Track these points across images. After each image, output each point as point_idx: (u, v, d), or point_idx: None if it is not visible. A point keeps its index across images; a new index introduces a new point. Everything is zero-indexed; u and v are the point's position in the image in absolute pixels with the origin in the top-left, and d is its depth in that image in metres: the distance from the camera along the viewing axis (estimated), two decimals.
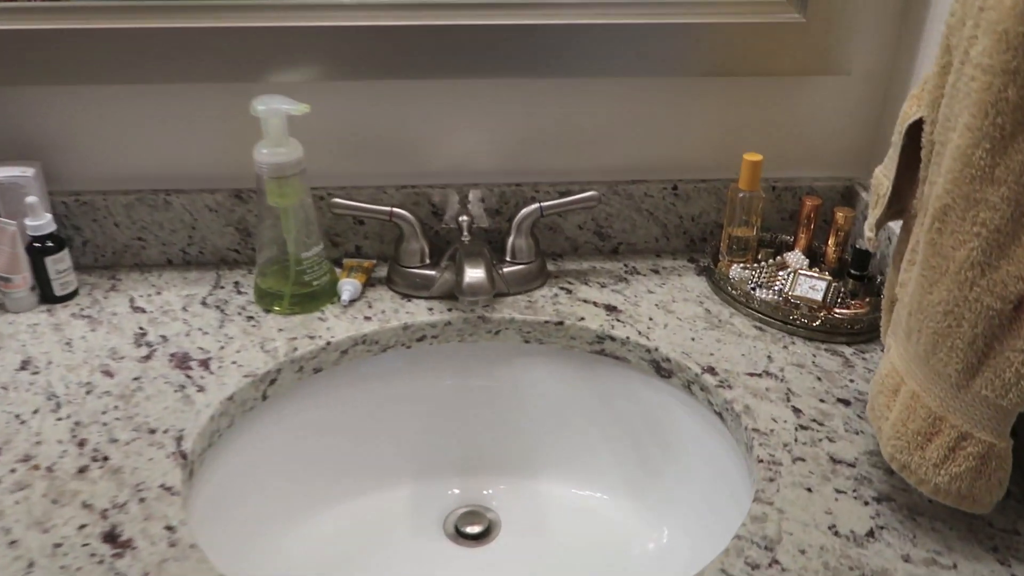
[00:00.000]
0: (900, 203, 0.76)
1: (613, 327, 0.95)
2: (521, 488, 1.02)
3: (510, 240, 1.01)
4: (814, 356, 0.92)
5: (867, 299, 0.98)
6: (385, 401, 0.99)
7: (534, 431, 1.02)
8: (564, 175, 1.07)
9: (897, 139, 0.73)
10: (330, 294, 0.98)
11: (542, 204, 0.99)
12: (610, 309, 0.99)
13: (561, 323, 0.97)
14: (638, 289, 1.03)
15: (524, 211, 1.00)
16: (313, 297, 0.97)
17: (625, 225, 1.08)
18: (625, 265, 1.08)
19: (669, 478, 0.95)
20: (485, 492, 1.02)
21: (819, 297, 0.95)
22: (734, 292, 0.99)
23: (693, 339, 0.94)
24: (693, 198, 1.07)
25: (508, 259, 1.01)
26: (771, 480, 0.76)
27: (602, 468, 1.00)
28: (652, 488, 0.96)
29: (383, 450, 1.00)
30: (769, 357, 0.91)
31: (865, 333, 0.94)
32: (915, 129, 0.71)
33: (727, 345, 0.93)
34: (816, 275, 0.97)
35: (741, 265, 1.03)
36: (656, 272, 1.06)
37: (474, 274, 0.88)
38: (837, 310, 0.95)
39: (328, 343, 0.92)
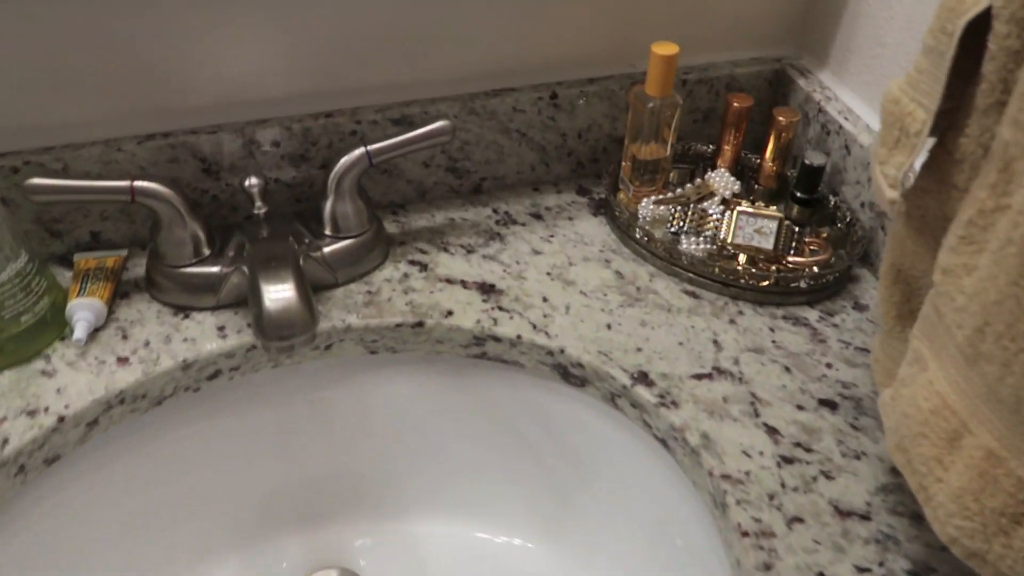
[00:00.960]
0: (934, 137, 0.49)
1: (495, 321, 0.66)
2: (392, 536, 0.75)
3: (327, 205, 0.68)
4: (772, 332, 0.67)
5: (823, 234, 0.73)
6: (174, 465, 0.67)
7: (401, 464, 0.74)
8: (396, 93, 0.73)
9: (946, 43, 0.45)
10: (56, 327, 0.63)
11: (369, 148, 0.66)
12: (486, 290, 0.69)
13: (420, 324, 0.66)
14: (519, 249, 0.73)
15: (345, 160, 0.66)
16: (25, 339, 0.61)
17: (489, 154, 0.77)
18: (495, 212, 0.77)
19: (594, 516, 0.70)
20: (345, 547, 0.74)
21: (769, 244, 0.70)
22: (651, 244, 0.72)
23: (609, 325, 0.67)
24: (578, 108, 0.76)
25: (328, 232, 0.68)
26: (767, 568, 0.51)
27: (501, 504, 0.74)
28: (573, 529, 0.71)
29: (191, 525, 0.69)
30: (716, 342, 0.66)
31: (832, 287, 0.70)
32: (974, 28, 0.44)
33: (656, 329, 0.66)
34: (762, 212, 0.71)
35: (652, 199, 0.75)
36: (538, 217, 0.77)
37: (277, 299, 0.55)
38: (791, 257, 0.70)
39: (61, 419, 0.58)
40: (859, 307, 0.69)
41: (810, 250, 0.72)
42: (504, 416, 0.71)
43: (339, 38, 0.69)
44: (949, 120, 0.48)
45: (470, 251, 0.73)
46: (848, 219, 0.73)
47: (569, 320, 0.67)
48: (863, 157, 0.71)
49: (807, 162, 0.73)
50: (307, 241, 0.67)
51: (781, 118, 0.73)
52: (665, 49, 0.68)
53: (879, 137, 0.51)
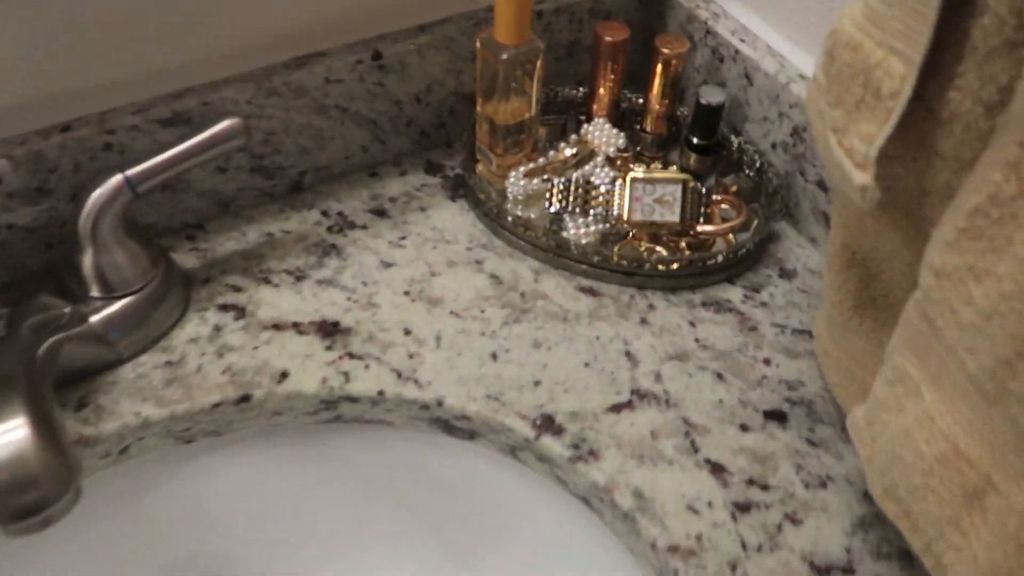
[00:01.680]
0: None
1: (347, 376, 0.50)
2: None
3: (87, 259, 0.49)
4: (693, 327, 0.54)
5: (732, 187, 0.60)
6: None
7: (258, 558, 0.58)
8: (163, 82, 0.53)
9: None
10: None
11: (129, 173, 0.47)
12: (329, 331, 0.53)
13: (246, 398, 0.50)
14: (364, 264, 0.57)
15: (97, 196, 0.47)
16: None
17: (304, 141, 0.59)
18: (325, 215, 0.60)
19: None
20: None
21: (675, 215, 0.56)
22: (529, 232, 0.57)
23: (495, 355, 0.52)
24: (410, 65, 0.59)
25: (96, 294, 0.50)
26: None
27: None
28: None
29: None
30: (628, 353, 0.52)
31: (751, 254, 0.57)
32: None
33: (554, 349, 0.52)
34: (660, 176, 0.56)
35: (521, 169, 0.59)
36: (382, 213, 0.60)
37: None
38: (701, 226, 0.56)
39: None
40: (786, 274, 0.57)
41: (721, 212, 0.58)
42: (378, 480, 0.56)
43: (68, 16, 0.48)
44: (931, 66, 0.34)
45: (300, 277, 0.56)
46: (758, 164, 0.60)
47: (443, 356, 0.52)
48: (768, 87, 0.58)
49: (702, 101, 0.58)
50: (66, 313, 0.48)
51: (665, 49, 0.58)
52: None
53: (830, 95, 0.37)
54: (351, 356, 0.51)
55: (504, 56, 0.54)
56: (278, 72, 0.55)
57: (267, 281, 0.55)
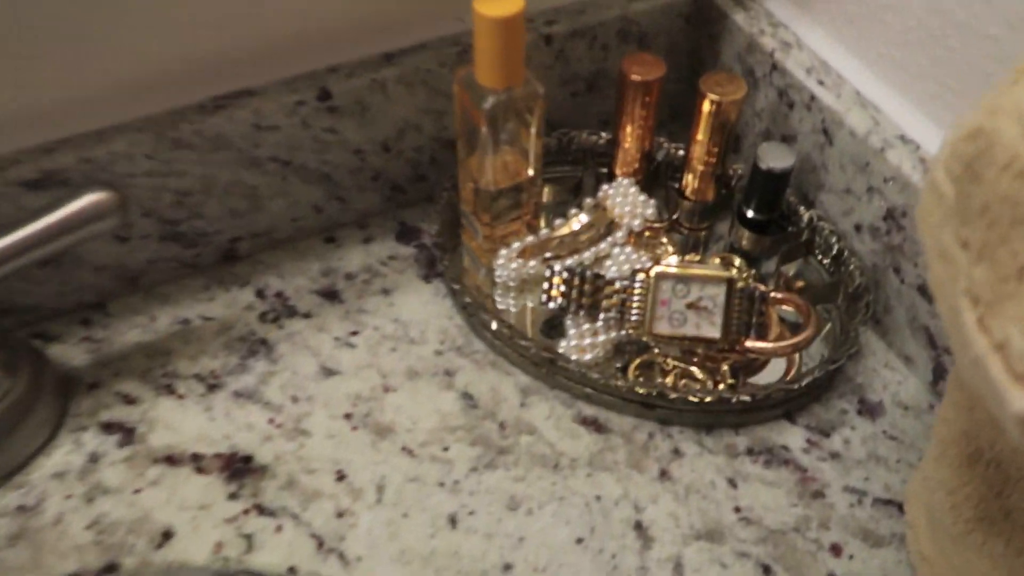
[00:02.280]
0: None
1: (250, 541, 0.37)
2: None
3: None
4: (733, 486, 0.39)
5: (797, 282, 0.45)
6: None
7: None
8: (27, 130, 0.40)
9: None
10: None
11: None
12: (239, 470, 0.39)
13: (111, 568, 0.37)
14: (300, 370, 0.43)
15: None
16: None
17: (235, 202, 0.45)
18: (261, 295, 0.46)
19: None
20: None
21: (716, 329, 0.40)
22: (518, 340, 0.42)
23: (454, 519, 0.38)
24: (375, 106, 0.45)
25: None
26: None
27: None
28: None
29: None
30: (640, 526, 0.38)
31: (821, 387, 0.42)
32: None
33: (537, 515, 0.38)
34: (697, 271, 0.41)
35: (515, 246, 0.45)
36: (333, 296, 0.46)
37: None
38: (751, 342, 0.41)
39: None
40: (868, 410, 0.42)
41: (779, 319, 0.43)
42: None
43: None
44: None
45: (213, 386, 0.42)
46: (836, 249, 0.44)
47: (383, 517, 0.38)
48: (855, 150, 0.42)
49: (762, 165, 0.43)
50: None
51: (714, 95, 0.43)
52: (498, 4, 0.36)
53: (968, 232, 0.22)
54: (261, 511, 0.38)
55: (486, 105, 0.39)
56: (187, 118, 0.41)
57: (170, 390, 0.42)
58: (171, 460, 0.40)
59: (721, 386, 0.41)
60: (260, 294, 0.46)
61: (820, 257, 0.45)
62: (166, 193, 0.43)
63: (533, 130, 0.42)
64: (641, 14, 0.48)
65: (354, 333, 0.44)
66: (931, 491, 0.32)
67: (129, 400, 0.42)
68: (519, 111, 0.41)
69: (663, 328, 0.41)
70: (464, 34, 0.46)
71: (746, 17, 0.47)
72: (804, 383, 0.40)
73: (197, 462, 0.40)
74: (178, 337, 0.44)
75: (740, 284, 0.41)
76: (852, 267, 0.43)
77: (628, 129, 0.47)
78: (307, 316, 0.45)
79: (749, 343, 0.41)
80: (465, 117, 0.42)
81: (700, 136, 0.45)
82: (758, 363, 0.43)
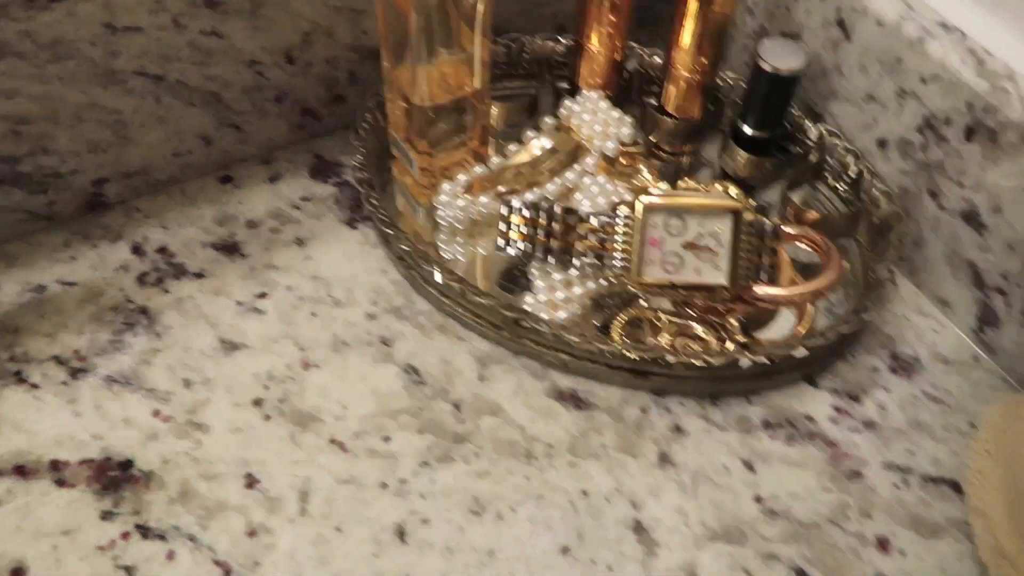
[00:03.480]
0: None
1: (130, 573, 0.28)
2: None
3: None
4: (751, 469, 0.31)
5: (809, 213, 0.37)
6: None
7: None
8: None
9: None
10: None
11: None
12: (112, 479, 0.30)
13: None
14: (193, 344, 0.33)
15: None
16: None
17: (93, 131, 0.35)
18: (137, 250, 0.36)
19: None
20: None
21: (722, 274, 0.32)
22: (471, 296, 0.33)
23: (402, 529, 0.29)
24: (271, 2, 0.35)
25: None
26: None
27: None
28: None
29: None
30: (639, 527, 0.30)
31: (848, 342, 0.34)
32: None
33: (508, 517, 0.30)
34: (695, 199, 0.32)
35: (461, 178, 0.36)
36: (233, 250, 0.36)
37: None
38: (761, 287, 0.33)
39: None
40: (904, 367, 0.34)
41: (792, 260, 0.35)
42: None
43: None
44: None
45: (77, 370, 0.32)
46: (853, 171, 0.37)
47: (309, 533, 0.29)
48: (881, 44, 0.34)
49: (765, 66, 0.34)
50: None
51: None
52: None
53: None
54: (145, 533, 0.29)
55: None
56: (10, 14, 0.30)
57: (19, 379, 0.32)
58: (22, 471, 0.30)
59: (730, 345, 0.33)
60: (137, 250, 0.36)
61: (833, 184, 0.38)
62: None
63: (478, 27, 0.32)
64: None
65: (262, 296, 0.35)
66: (1010, 465, 0.25)
67: None
68: (459, 2, 0.32)
69: (655, 274, 0.32)
70: None
71: None
72: (828, 339, 0.32)
73: (57, 472, 0.30)
74: (30, 309, 0.34)
75: (747, 214, 0.32)
76: (876, 192, 0.35)
77: (595, 30, 0.37)
78: (200, 276, 0.35)
79: (760, 289, 0.33)
80: (389, 11, 0.32)
81: (685, 36, 0.36)
82: (765, 315, 0.35)
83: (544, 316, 0.33)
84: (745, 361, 0.31)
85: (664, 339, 0.33)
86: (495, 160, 0.37)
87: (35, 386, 0.32)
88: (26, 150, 0.34)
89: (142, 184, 0.37)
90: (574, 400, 0.33)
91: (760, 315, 0.35)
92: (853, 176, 0.36)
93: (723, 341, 0.33)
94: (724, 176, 0.39)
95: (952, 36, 0.32)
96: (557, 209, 0.33)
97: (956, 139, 0.32)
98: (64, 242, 0.36)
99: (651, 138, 0.40)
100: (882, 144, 0.36)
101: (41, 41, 0.31)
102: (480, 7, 0.32)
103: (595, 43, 0.38)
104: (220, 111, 0.37)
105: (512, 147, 0.38)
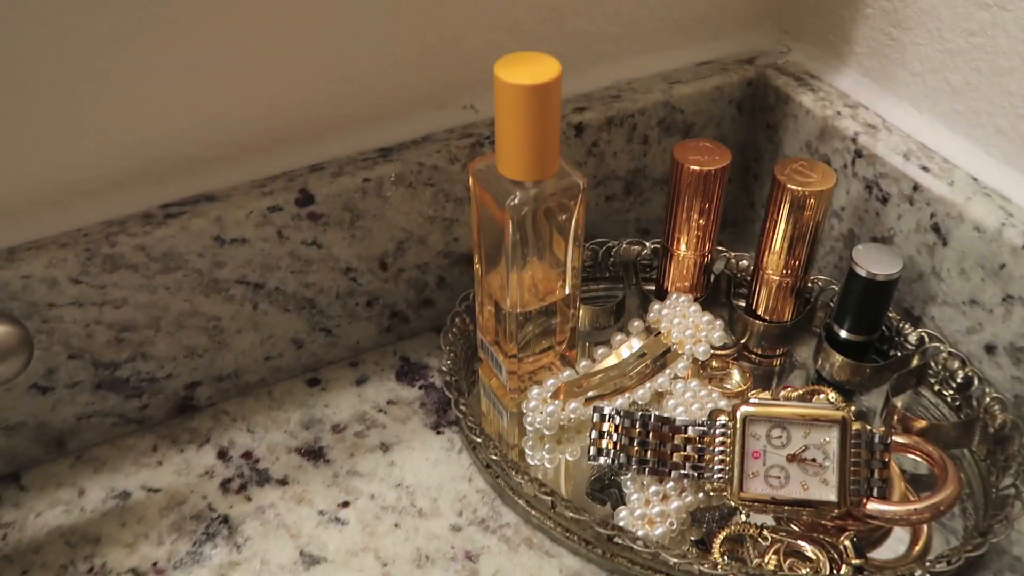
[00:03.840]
0: None
1: None
2: None
3: None
4: None
5: (916, 422, 0.35)
6: None
7: None
8: None
9: None
10: None
11: None
12: None
13: None
14: (272, 558, 0.32)
15: None
16: None
17: (191, 337, 0.35)
18: (222, 455, 0.36)
19: None
20: None
21: (831, 489, 0.30)
22: (570, 514, 0.32)
23: None
24: (370, 213, 0.36)
25: None
26: None
27: None
28: None
29: None
30: None
31: (974, 565, 0.31)
32: None
33: None
34: (799, 409, 0.31)
35: (549, 384, 0.35)
36: (317, 456, 0.36)
37: None
38: (874, 502, 0.31)
39: None
40: None
41: (900, 472, 0.33)
42: None
43: None
44: None
45: None
46: (960, 377, 0.35)
47: None
48: (980, 249, 0.33)
49: (861, 271, 0.34)
50: None
51: (794, 185, 0.34)
52: (528, 69, 0.28)
53: None
54: None
55: (513, 202, 0.30)
56: (127, 230, 0.32)
57: None
58: None
59: (844, 569, 0.30)
60: (223, 455, 0.36)
61: (938, 389, 0.36)
62: (100, 328, 0.33)
63: (571, 235, 0.33)
64: (685, 99, 0.40)
65: (344, 505, 0.34)
66: None
67: None
68: (552, 211, 0.32)
69: (758, 489, 0.30)
70: (477, 124, 0.38)
71: (815, 99, 0.40)
72: (955, 562, 0.29)
73: None
74: (112, 517, 0.34)
75: (855, 425, 0.31)
76: (988, 400, 0.33)
77: (683, 233, 0.38)
78: (283, 483, 0.35)
79: (873, 506, 0.30)
80: (484, 220, 0.33)
81: (776, 239, 0.36)
82: (875, 533, 0.33)
83: (640, 532, 0.31)
84: None
85: (770, 560, 0.31)
86: (583, 364, 0.37)
87: None
88: (126, 356, 0.34)
89: (232, 387, 0.38)
90: None
91: (869, 534, 0.32)
92: (960, 382, 0.35)
93: (836, 563, 0.30)
94: (819, 380, 0.38)
95: None
96: (651, 417, 0.32)
97: None
98: (151, 446, 0.36)
99: (743, 342, 0.39)
100: (990, 349, 0.34)
101: (153, 254, 0.32)
102: (574, 223, 0.32)
103: (684, 244, 0.38)
104: (313, 316, 0.37)
105: (600, 351, 0.37)
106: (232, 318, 0.36)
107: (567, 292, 0.35)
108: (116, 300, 0.33)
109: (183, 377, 0.36)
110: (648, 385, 0.36)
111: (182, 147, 0.33)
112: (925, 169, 0.35)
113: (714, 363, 0.38)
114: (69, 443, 0.35)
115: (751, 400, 0.31)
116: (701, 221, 0.37)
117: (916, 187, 0.35)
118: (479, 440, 0.33)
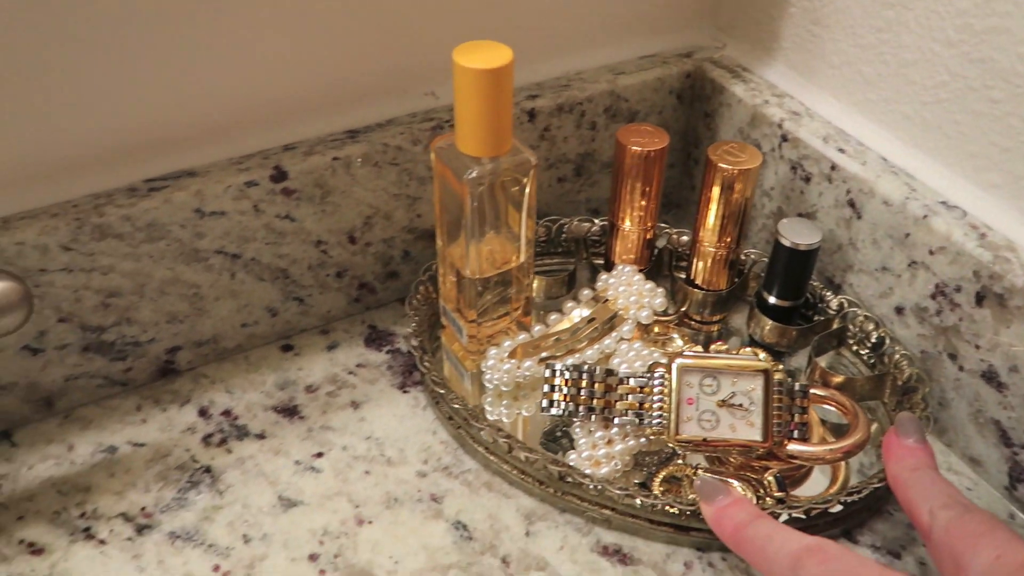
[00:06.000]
0: None
1: None
2: None
3: None
4: None
5: (833, 376, 0.39)
6: None
7: None
8: None
9: None
10: None
11: None
12: None
13: None
14: (253, 502, 0.35)
15: None
16: None
17: (173, 304, 0.38)
18: (203, 413, 0.39)
19: None
20: None
21: (756, 431, 0.34)
22: (525, 457, 0.35)
23: None
24: (338, 190, 0.39)
25: None
26: None
27: None
28: None
29: None
30: None
31: (880, 499, 0.35)
32: None
33: None
34: (725, 360, 0.35)
35: (506, 344, 0.39)
36: (292, 413, 0.39)
37: None
38: (794, 444, 0.34)
39: None
40: None
41: (822, 421, 0.37)
42: None
43: None
44: None
45: (143, 527, 0.34)
46: (875, 337, 0.39)
47: None
48: (890, 221, 0.37)
49: (785, 242, 0.38)
50: None
51: (725, 164, 0.38)
52: (484, 55, 0.31)
53: None
54: None
55: (471, 175, 0.34)
56: (114, 201, 0.35)
57: (88, 535, 0.34)
58: None
59: (768, 500, 0.34)
60: (204, 413, 0.39)
61: (855, 349, 0.40)
62: (88, 293, 0.36)
63: (524, 207, 0.36)
64: (629, 89, 0.44)
65: (319, 455, 0.37)
66: None
67: (35, 550, 0.33)
68: (506, 185, 0.36)
69: (692, 432, 0.34)
70: (437, 109, 0.41)
71: (746, 89, 0.44)
72: (863, 493, 0.33)
73: None
74: (101, 468, 0.36)
75: (778, 376, 0.34)
76: (897, 356, 0.38)
77: (628, 210, 0.41)
78: (261, 437, 0.38)
79: (793, 447, 0.34)
80: (445, 195, 0.36)
81: (711, 215, 0.40)
82: (798, 474, 0.36)
83: (588, 471, 0.34)
84: (782, 516, 0.33)
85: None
86: (537, 328, 0.40)
87: (102, 542, 0.34)
88: (112, 321, 0.37)
89: (211, 352, 0.40)
90: (619, 555, 0.33)
91: (793, 474, 0.36)
92: (875, 341, 0.39)
93: (760, 497, 0.34)
94: (752, 343, 0.42)
95: (953, 213, 0.35)
96: (598, 371, 0.35)
97: (968, 304, 0.35)
98: (135, 406, 0.39)
99: (682, 310, 0.43)
100: (899, 311, 0.38)
101: (138, 224, 0.35)
102: (526, 192, 0.36)
103: (628, 224, 0.42)
104: (286, 285, 0.40)
105: (553, 317, 0.41)
106: (211, 286, 0.38)
107: (522, 260, 0.38)
108: (103, 267, 0.35)
109: (165, 342, 0.39)
110: (596, 347, 0.40)
111: (166, 127, 0.36)
112: (842, 151, 0.39)
113: (656, 329, 0.42)
114: (57, 403, 0.38)
115: (686, 353, 0.35)
116: (643, 201, 0.41)
117: (834, 167, 0.39)
118: (442, 392, 0.37)
